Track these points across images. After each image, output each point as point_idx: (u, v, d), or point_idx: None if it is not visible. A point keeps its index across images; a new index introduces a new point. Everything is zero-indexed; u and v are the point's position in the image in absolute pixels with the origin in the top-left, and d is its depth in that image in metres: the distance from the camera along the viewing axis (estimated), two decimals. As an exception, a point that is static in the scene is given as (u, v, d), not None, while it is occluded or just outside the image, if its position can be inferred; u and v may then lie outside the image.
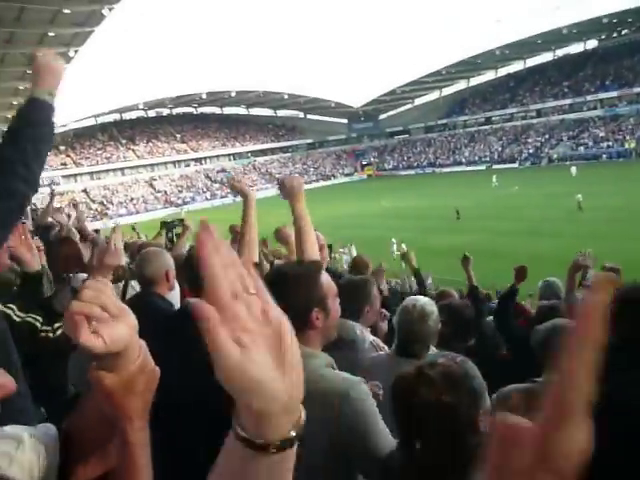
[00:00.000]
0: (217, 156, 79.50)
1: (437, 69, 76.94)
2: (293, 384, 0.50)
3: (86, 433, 0.86)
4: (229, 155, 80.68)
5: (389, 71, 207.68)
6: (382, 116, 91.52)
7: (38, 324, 2.17)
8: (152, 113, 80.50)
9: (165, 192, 68.17)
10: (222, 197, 67.32)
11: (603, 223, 23.35)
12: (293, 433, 0.52)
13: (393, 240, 23.05)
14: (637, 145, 55.28)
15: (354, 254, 21.38)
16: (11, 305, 2.09)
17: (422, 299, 2.57)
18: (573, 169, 45.15)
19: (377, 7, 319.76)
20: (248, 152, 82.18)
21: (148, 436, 0.80)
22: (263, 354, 0.48)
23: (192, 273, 3.44)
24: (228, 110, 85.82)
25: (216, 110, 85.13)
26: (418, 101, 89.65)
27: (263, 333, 0.49)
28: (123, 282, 3.45)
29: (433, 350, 2.57)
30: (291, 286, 1.65)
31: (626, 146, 56.12)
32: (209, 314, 0.47)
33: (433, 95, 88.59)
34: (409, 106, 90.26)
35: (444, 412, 1.41)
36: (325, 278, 1.74)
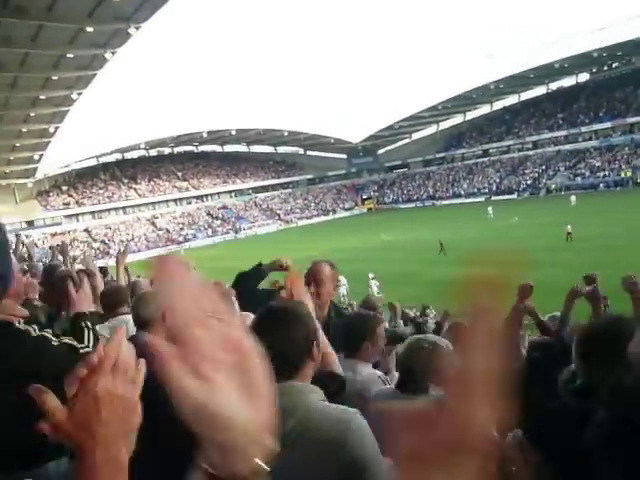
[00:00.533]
0: (218, 193, 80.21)
1: (433, 104, 78.27)
2: (261, 412, 0.48)
3: None
4: (230, 192, 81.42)
5: (386, 107, 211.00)
6: (381, 151, 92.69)
7: (75, 343, 2.21)
8: (154, 152, 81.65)
9: (167, 230, 68.50)
10: (224, 234, 67.66)
11: (603, 251, 23.39)
12: (263, 465, 0.49)
13: (371, 277, 21.91)
14: (633, 174, 55.89)
15: (345, 284, 21.22)
16: (47, 329, 2.15)
17: (431, 337, 2.57)
18: (573, 198, 45.56)
19: (374, 44, 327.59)
20: (249, 189, 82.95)
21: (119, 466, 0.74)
22: (226, 384, 0.46)
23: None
24: (229, 148, 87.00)
25: (217, 148, 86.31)
26: (416, 135, 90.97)
27: (228, 361, 0.47)
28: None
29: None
30: (295, 320, 1.72)
31: (622, 175, 56.76)
32: (161, 347, 0.45)
33: (430, 129, 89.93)
34: (407, 140, 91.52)
35: None
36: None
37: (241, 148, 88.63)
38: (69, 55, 31.24)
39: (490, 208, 45.84)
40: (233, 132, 76.49)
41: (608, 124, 65.37)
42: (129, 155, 78.84)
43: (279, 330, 1.67)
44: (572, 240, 27.27)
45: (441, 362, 2.32)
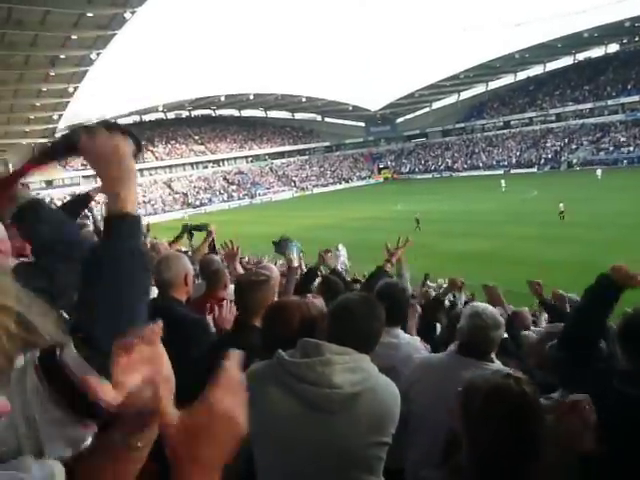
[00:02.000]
0: (235, 158, 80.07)
1: (455, 73, 76.55)
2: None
3: (89, 464, 0.83)
4: (246, 157, 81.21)
5: (407, 75, 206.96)
6: (399, 119, 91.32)
7: None
8: (171, 115, 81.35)
9: (183, 193, 68.84)
10: (239, 199, 67.80)
11: (623, 229, 23.08)
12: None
13: (340, 247, 20.84)
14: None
15: (344, 254, 20.69)
16: None
17: (489, 307, 2.63)
18: (599, 172, 44.79)
19: (396, 11, 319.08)
20: (265, 155, 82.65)
21: None
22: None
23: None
24: (246, 112, 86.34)
25: (234, 112, 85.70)
26: (436, 105, 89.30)
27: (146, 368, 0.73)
28: None
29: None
30: (379, 311, 1.98)
31: (648, 151, 55.35)
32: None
33: (451, 99, 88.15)
34: (427, 110, 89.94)
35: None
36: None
37: (259, 113, 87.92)
38: (89, 14, 30.99)
39: (503, 181, 45.53)
40: (251, 97, 75.77)
41: (636, 97, 63.28)
42: (147, 117, 78.63)
43: (364, 320, 1.94)
44: (563, 219, 26.76)
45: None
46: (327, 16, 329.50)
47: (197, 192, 69.86)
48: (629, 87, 65.43)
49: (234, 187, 72.61)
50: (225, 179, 74.83)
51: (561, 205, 27.55)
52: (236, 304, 2.62)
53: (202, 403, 0.73)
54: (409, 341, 2.91)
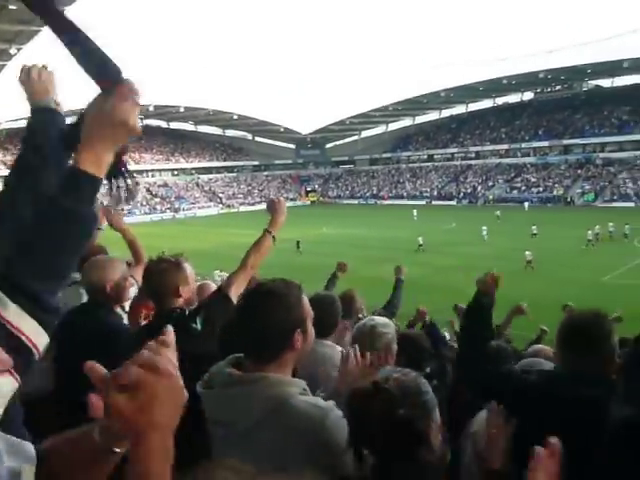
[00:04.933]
0: (159, 170, 77.85)
1: (385, 104, 79.35)
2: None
3: (65, 460, 0.81)
4: (172, 170, 79.26)
5: (338, 102, 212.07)
6: (329, 145, 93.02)
7: None
8: (94, 120, 78.01)
9: (101, 203, 65.64)
10: (162, 212, 65.77)
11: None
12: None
13: (217, 273, 20.26)
14: (564, 192, 59.06)
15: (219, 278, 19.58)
16: None
17: (377, 319, 2.64)
18: (526, 204, 50.96)
19: (333, 39, 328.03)
20: (192, 169, 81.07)
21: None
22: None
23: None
24: (175, 125, 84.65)
25: (162, 124, 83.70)
26: (365, 133, 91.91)
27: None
28: None
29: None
30: (279, 303, 1.63)
31: (555, 192, 59.83)
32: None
33: (380, 129, 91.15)
34: (355, 137, 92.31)
35: (400, 426, 1.40)
36: (306, 299, 1.74)
37: (188, 127, 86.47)
38: (11, 7, 29.22)
39: (415, 211, 49.21)
40: (182, 109, 74.42)
41: (546, 143, 68.65)
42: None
43: (259, 313, 1.63)
44: (423, 251, 29.86)
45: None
46: (265, 37, 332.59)
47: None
48: (540, 133, 70.74)
49: (157, 200, 70.43)
50: (148, 191, 72.39)
51: (420, 239, 30.76)
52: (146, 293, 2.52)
53: (138, 362, 0.73)
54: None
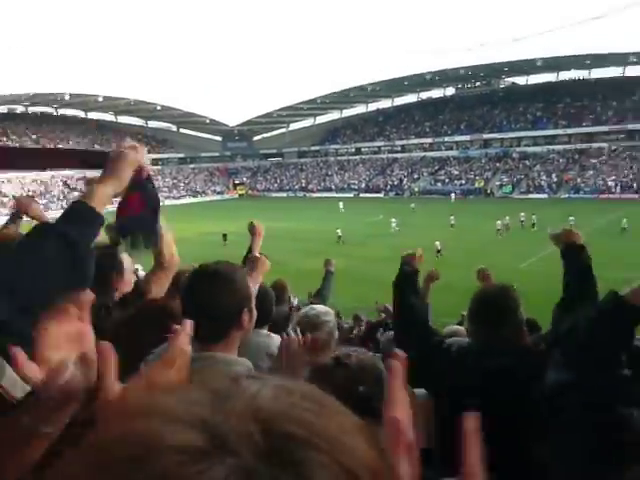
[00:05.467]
0: (78, 162, 73.95)
1: (312, 97, 79.46)
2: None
3: None
4: (92, 162, 75.51)
5: (266, 94, 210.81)
6: (257, 137, 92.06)
7: None
8: (3, 109, 72.80)
9: (13, 197, 61.47)
10: (81, 207, 62.48)
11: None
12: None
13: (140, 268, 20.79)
14: (485, 184, 61.72)
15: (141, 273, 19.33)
16: None
17: (318, 307, 2.72)
18: (452, 195, 54.08)
19: (259, 31, 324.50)
20: (113, 161, 77.58)
21: None
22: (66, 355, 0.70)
23: None
24: (94, 115, 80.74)
25: (80, 113, 79.56)
26: (293, 126, 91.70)
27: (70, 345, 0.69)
28: None
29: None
30: (225, 284, 1.65)
31: (476, 185, 62.38)
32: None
33: (308, 122, 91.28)
34: (284, 130, 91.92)
35: (359, 402, 1.38)
36: (248, 278, 1.78)
37: (108, 117, 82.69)
38: None
39: (341, 203, 50.27)
40: (100, 99, 70.97)
41: (467, 137, 71.39)
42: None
43: (206, 293, 1.63)
44: (343, 243, 30.49)
45: None
46: (191, 27, 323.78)
47: (31, 197, 62.95)
48: (462, 127, 73.48)
49: (76, 194, 66.75)
50: (66, 184, 68.52)
51: (338, 231, 31.52)
52: None
53: (144, 378, 0.71)
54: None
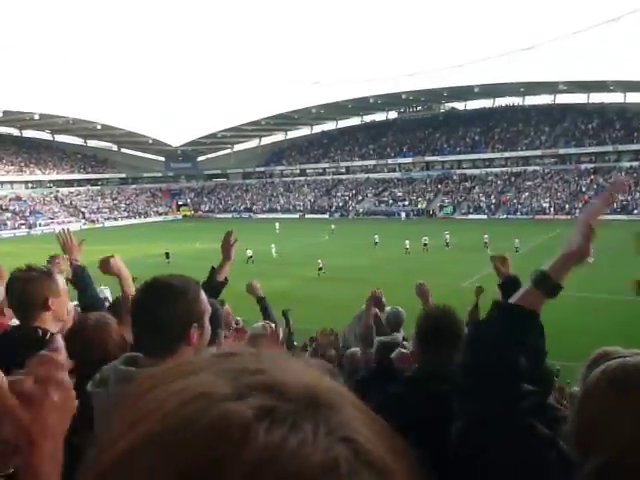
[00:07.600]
0: (11, 182, 70.57)
1: (257, 119, 79.60)
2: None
3: None
4: (26, 182, 72.23)
5: (210, 115, 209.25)
6: (201, 158, 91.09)
7: None
8: None
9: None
10: (15, 228, 59.55)
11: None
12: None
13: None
14: (427, 205, 63.46)
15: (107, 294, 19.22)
16: None
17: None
18: (403, 214, 55.99)
19: (203, 51, 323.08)
20: (50, 181, 74.50)
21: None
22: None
23: None
24: (29, 133, 77.67)
25: (13, 132, 76.33)
26: (238, 147, 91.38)
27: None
28: None
29: None
30: (172, 298, 1.58)
31: (419, 206, 64.04)
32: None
33: (253, 143, 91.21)
34: (228, 151, 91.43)
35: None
36: (204, 295, 1.68)
37: (44, 135, 79.77)
38: None
39: (277, 224, 51.50)
40: (36, 117, 68.32)
41: (410, 159, 73.40)
42: None
43: (150, 307, 1.58)
44: (253, 262, 31.08)
45: None
46: (133, 44, 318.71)
47: (-42, 218, 59.47)
48: (404, 150, 75.51)
49: (9, 215, 63.61)
50: (-5, 205, 65.11)
51: (273, 246, 33.60)
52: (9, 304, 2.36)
53: (31, 373, 0.73)
54: None
